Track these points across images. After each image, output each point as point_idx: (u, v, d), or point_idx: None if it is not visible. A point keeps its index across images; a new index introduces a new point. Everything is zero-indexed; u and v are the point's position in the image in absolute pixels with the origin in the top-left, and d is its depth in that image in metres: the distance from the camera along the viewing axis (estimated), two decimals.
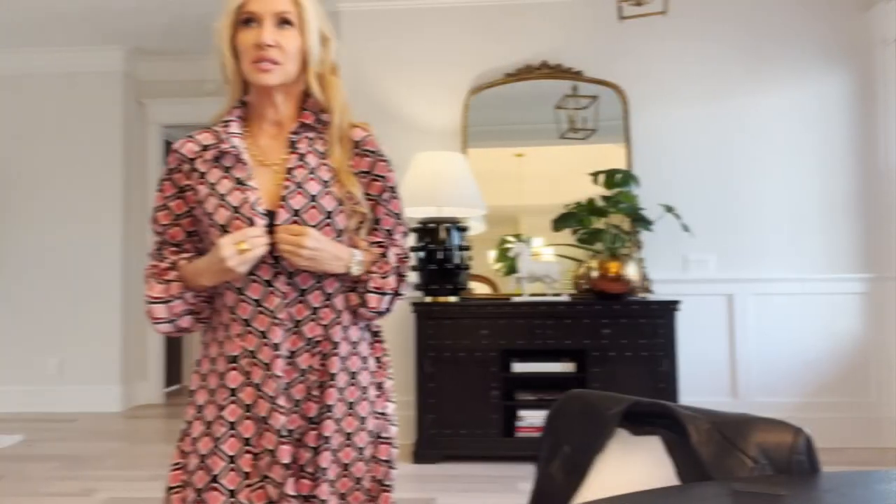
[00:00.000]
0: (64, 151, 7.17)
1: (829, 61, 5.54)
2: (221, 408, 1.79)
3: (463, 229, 5.13)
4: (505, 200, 5.54)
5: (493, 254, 5.62)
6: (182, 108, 7.58)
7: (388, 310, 1.90)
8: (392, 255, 1.89)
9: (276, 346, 1.75)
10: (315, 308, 1.81)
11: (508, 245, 5.38)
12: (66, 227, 7.12)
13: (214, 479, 1.74)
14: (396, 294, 1.89)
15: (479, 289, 5.60)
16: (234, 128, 1.86)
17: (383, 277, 1.86)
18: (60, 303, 7.09)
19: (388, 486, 1.88)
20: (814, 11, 5.55)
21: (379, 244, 1.91)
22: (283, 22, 1.78)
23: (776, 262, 5.46)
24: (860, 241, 5.42)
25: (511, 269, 5.32)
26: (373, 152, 1.90)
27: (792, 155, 5.51)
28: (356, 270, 1.82)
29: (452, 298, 5.09)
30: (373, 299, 1.85)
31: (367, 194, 1.88)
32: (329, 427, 1.79)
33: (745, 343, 5.41)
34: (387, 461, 1.89)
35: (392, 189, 1.92)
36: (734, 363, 5.41)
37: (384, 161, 1.91)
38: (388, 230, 1.92)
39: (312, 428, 1.79)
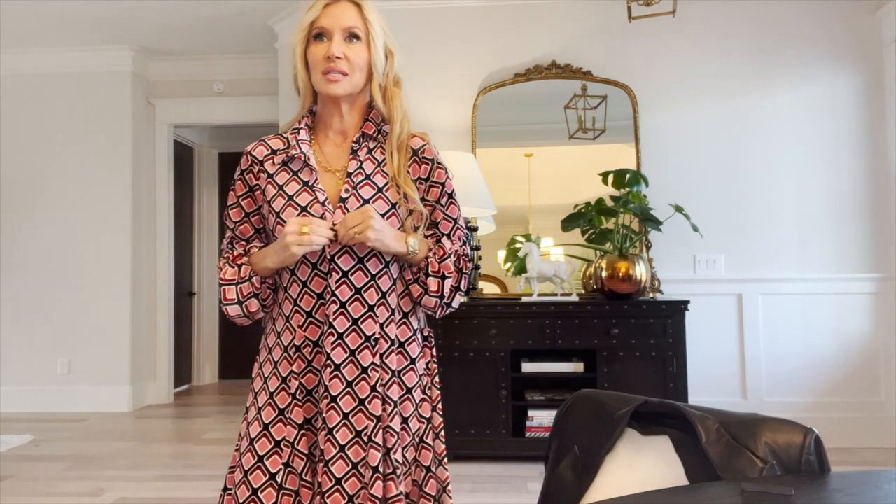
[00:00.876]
0: (73, 152, 7.19)
1: (838, 61, 5.53)
2: (272, 394, 1.88)
3: (472, 229, 5.13)
4: (514, 200, 5.54)
5: (502, 254, 5.61)
6: (191, 108, 7.62)
7: (448, 300, 1.97)
8: (447, 242, 1.98)
9: (340, 336, 1.85)
10: (371, 306, 1.88)
11: (518, 245, 5.37)
12: (76, 227, 7.14)
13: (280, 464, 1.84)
14: (456, 287, 1.97)
15: (488, 289, 5.60)
16: (303, 135, 1.97)
17: (440, 261, 1.94)
18: (69, 303, 7.11)
19: (429, 494, 1.91)
20: (822, 12, 5.54)
21: (433, 235, 2.00)
22: (352, 36, 1.91)
23: (785, 262, 5.45)
24: (869, 241, 5.41)
25: (520, 269, 5.31)
26: (430, 160, 1.99)
27: (801, 155, 5.50)
28: (414, 247, 1.89)
29: (462, 298, 5.08)
30: (433, 283, 1.93)
31: (425, 199, 1.98)
32: (397, 423, 1.87)
33: (755, 343, 5.40)
34: (427, 468, 1.92)
35: (449, 195, 2.01)
36: (743, 363, 5.40)
37: (441, 168, 2.00)
38: (446, 233, 2.00)
39: (382, 427, 1.85)
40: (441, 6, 5.77)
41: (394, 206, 1.89)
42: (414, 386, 1.94)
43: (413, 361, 1.96)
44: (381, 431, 1.83)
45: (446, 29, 5.78)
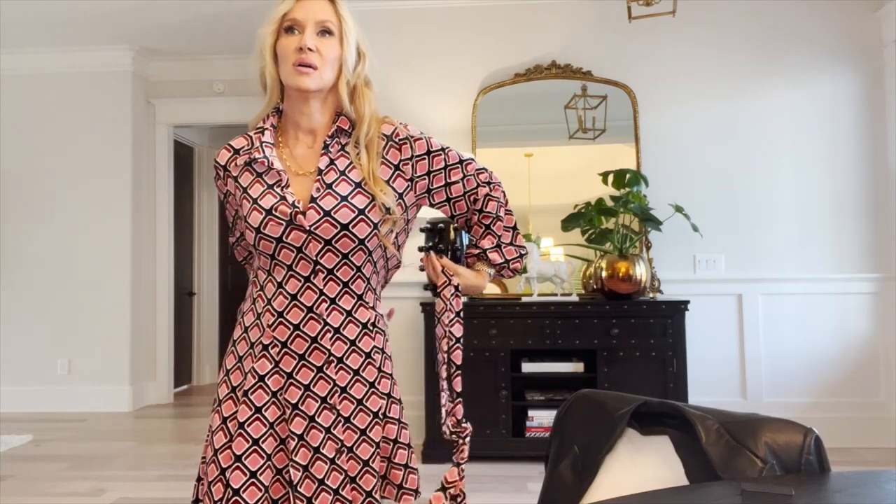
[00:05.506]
0: (73, 152, 7.19)
1: (838, 61, 5.53)
2: (234, 388, 1.88)
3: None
4: (514, 200, 5.45)
5: None
6: (191, 108, 7.61)
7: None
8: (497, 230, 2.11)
9: (314, 340, 1.83)
10: (360, 294, 1.90)
11: None
12: (76, 227, 7.14)
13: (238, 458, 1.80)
14: (515, 229, 2.15)
15: (488, 289, 5.56)
16: (268, 137, 1.92)
17: (507, 263, 2.12)
18: (69, 303, 7.11)
19: (398, 464, 1.92)
20: (822, 11, 5.54)
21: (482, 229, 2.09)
22: (324, 31, 1.86)
23: (785, 262, 5.45)
24: (869, 240, 5.41)
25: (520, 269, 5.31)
26: (406, 139, 1.95)
27: (801, 155, 5.50)
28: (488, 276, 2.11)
29: (462, 298, 5.08)
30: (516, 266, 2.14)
31: (417, 177, 1.95)
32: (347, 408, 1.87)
33: (755, 343, 5.40)
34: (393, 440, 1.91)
35: (440, 150, 1.98)
36: (743, 363, 5.40)
37: (420, 139, 1.96)
38: (463, 175, 2.01)
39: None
40: (441, 6, 5.77)
41: (373, 198, 1.85)
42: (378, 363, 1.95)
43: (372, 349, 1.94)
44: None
45: (446, 29, 5.77)
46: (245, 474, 1.77)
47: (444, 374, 1.95)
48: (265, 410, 1.82)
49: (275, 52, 1.89)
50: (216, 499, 1.77)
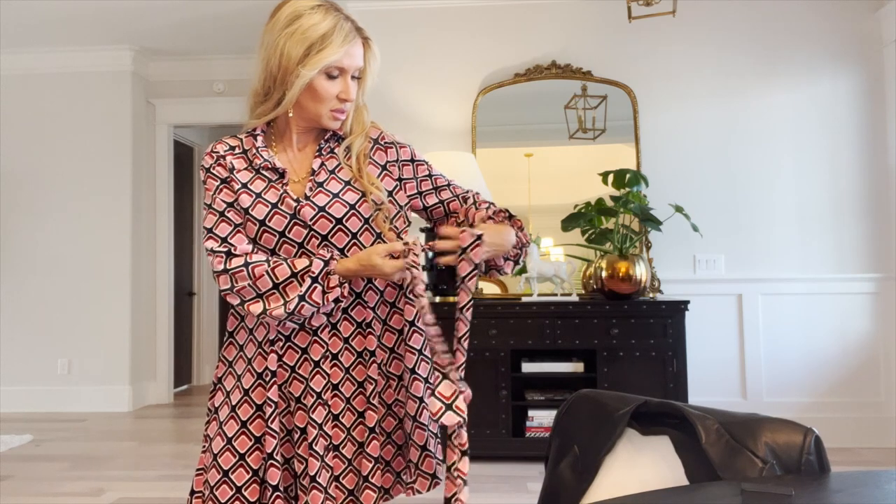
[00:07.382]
0: (73, 152, 7.19)
1: (838, 61, 5.52)
2: (247, 391, 1.89)
3: None
4: (514, 200, 5.53)
5: None
6: (191, 108, 7.61)
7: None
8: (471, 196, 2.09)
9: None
10: (358, 293, 1.93)
11: None
12: (76, 227, 7.14)
13: (242, 457, 1.85)
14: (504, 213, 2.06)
15: (488, 289, 5.60)
16: (260, 141, 1.99)
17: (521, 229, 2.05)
18: (70, 303, 7.11)
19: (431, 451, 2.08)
20: (822, 11, 5.54)
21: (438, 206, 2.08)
22: (355, 77, 1.95)
23: (785, 262, 5.45)
24: (869, 240, 5.41)
25: (520, 269, 5.31)
26: (392, 143, 2.03)
27: (801, 155, 5.50)
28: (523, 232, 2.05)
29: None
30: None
31: (406, 178, 2.02)
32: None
33: (755, 343, 5.40)
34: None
35: (423, 161, 2.07)
36: (743, 363, 5.40)
37: (405, 146, 2.05)
38: (448, 183, 2.09)
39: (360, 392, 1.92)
40: (441, 6, 5.77)
41: (363, 194, 1.90)
42: (417, 361, 2.10)
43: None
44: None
45: (446, 29, 5.77)
46: (279, 470, 1.83)
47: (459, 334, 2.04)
48: (278, 405, 1.87)
49: (310, 85, 1.92)
50: (252, 500, 1.82)
